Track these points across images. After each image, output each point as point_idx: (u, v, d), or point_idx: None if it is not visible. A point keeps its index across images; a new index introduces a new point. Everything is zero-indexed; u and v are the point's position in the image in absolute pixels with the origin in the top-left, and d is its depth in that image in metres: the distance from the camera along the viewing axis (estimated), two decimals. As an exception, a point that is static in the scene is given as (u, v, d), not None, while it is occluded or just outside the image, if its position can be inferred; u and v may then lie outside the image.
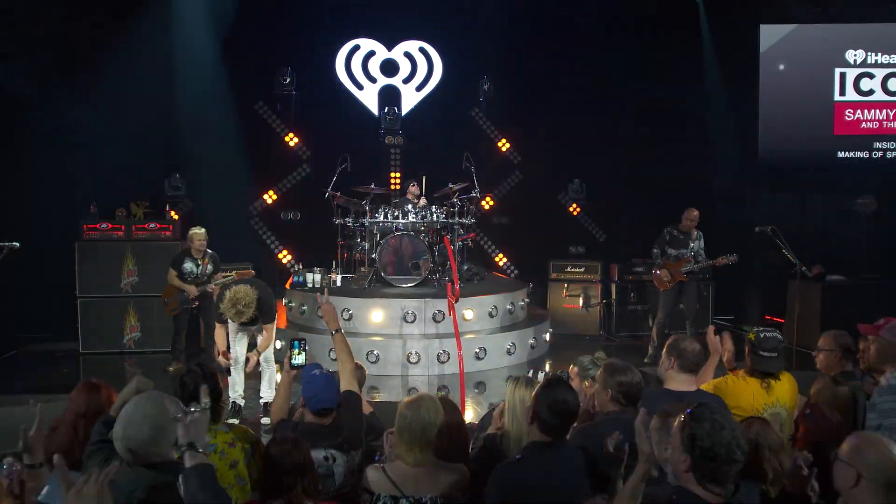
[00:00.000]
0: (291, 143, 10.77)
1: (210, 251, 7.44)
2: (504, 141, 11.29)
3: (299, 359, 3.54)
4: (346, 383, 3.46)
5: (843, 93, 11.08)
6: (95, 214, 8.31)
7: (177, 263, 7.37)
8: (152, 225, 8.39)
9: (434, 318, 7.45)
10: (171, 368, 7.50)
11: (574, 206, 11.26)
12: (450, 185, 8.62)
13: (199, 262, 7.36)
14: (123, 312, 8.29)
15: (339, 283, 8.51)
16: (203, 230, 7.36)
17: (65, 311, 8.40)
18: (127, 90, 8.90)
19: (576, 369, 4.16)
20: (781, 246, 6.73)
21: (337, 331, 3.70)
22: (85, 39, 8.91)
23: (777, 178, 10.84)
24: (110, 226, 8.28)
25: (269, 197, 10.71)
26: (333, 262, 8.95)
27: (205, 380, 2.94)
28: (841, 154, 11.03)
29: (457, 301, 5.68)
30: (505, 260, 11.32)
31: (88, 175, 8.76)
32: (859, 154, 11.04)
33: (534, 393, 2.85)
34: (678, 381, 3.45)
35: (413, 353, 7.18)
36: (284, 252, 10.73)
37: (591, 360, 4.21)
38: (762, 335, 3.63)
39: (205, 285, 7.26)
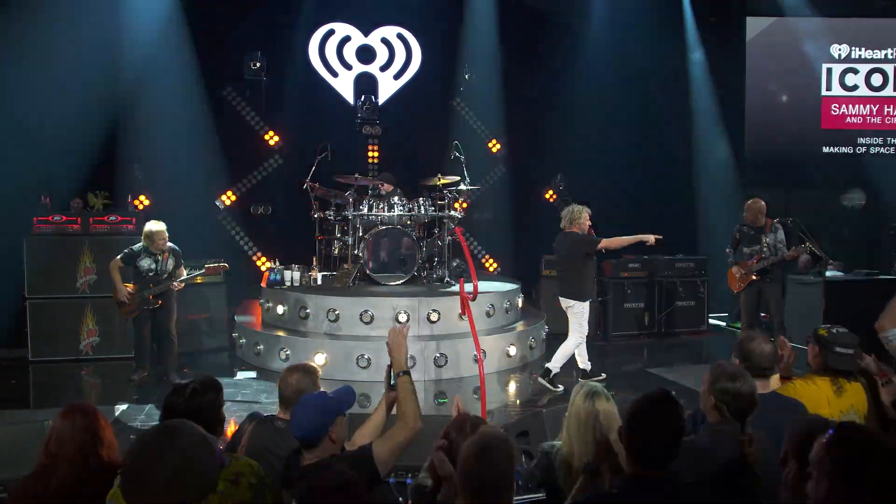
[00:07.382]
0: (263, 133, 10.05)
1: (171, 244, 6.65)
2: (494, 141, 10.82)
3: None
4: (389, 438, 2.75)
5: (829, 87, 10.98)
6: (47, 206, 7.43)
7: (129, 258, 6.49)
8: (112, 217, 7.51)
9: (429, 319, 6.89)
10: (134, 377, 6.74)
11: (551, 194, 10.85)
12: (439, 176, 8.08)
13: (159, 258, 6.60)
14: (80, 315, 7.40)
15: (319, 282, 7.89)
16: (164, 226, 6.53)
17: (12, 314, 7.49)
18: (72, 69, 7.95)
19: None
20: (805, 238, 6.35)
21: (405, 373, 2.94)
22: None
23: (764, 174, 10.63)
24: (64, 218, 7.39)
25: (237, 191, 9.97)
26: (314, 259, 8.28)
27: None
28: (826, 149, 10.95)
29: (473, 300, 5.12)
30: (490, 259, 10.81)
31: (31, 164, 7.87)
32: (844, 149, 10.95)
33: None
34: None
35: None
36: (262, 258, 9.99)
37: None
38: (835, 330, 3.37)
39: (165, 284, 6.52)
